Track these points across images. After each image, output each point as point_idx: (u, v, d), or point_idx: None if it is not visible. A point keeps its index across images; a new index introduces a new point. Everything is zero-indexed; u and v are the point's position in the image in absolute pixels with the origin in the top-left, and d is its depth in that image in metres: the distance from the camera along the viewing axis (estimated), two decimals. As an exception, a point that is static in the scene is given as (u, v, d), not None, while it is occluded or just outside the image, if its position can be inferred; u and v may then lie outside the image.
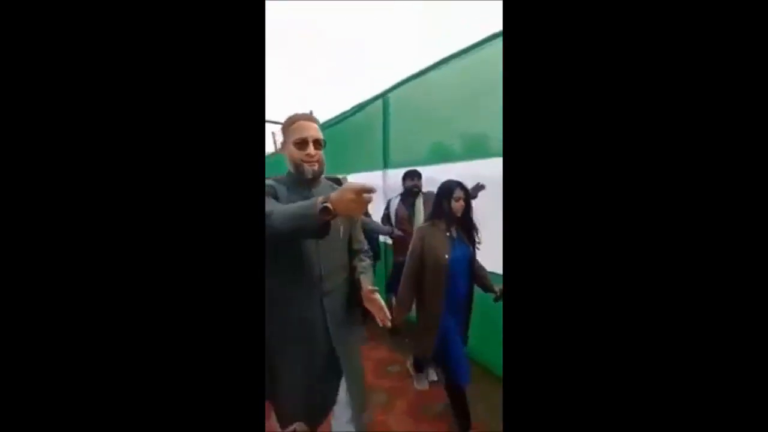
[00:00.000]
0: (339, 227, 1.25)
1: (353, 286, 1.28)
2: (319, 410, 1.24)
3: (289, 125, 1.20)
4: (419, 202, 2.69)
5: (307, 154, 1.17)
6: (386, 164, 3.39)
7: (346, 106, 3.91)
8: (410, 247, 1.70)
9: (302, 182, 1.20)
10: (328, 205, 0.87)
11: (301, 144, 1.17)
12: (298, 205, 0.95)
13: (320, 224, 0.90)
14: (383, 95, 3.37)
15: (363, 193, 0.84)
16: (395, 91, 3.25)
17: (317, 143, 1.18)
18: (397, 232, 2.69)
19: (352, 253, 1.35)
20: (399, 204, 2.77)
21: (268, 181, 1.20)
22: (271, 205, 1.05)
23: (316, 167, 1.19)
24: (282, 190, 1.17)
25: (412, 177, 2.71)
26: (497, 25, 2.12)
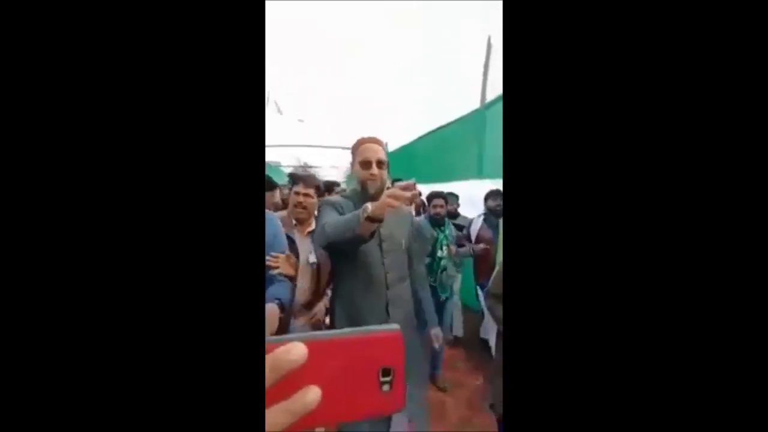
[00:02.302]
0: (401, 240, 1.41)
1: (415, 296, 1.45)
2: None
3: (356, 147, 1.38)
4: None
5: (371, 174, 1.35)
6: (481, 173, 3.48)
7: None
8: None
9: (367, 198, 1.33)
10: (368, 212, 1.09)
11: (366, 164, 1.34)
12: (347, 217, 1.18)
13: (364, 229, 1.11)
14: (484, 108, 3.52)
15: (398, 194, 1.04)
16: (495, 106, 3.39)
17: (380, 164, 1.35)
18: (478, 250, 2.57)
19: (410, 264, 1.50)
20: (482, 224, 2.66)
21: (337, 198, 1.44)
22: (328, 217, 1.29)
23: (377, 184, 1.36)
24: (349, 206, 1.35)
25: (495, 197, 2.63)
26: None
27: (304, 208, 1.76)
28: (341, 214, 1.30)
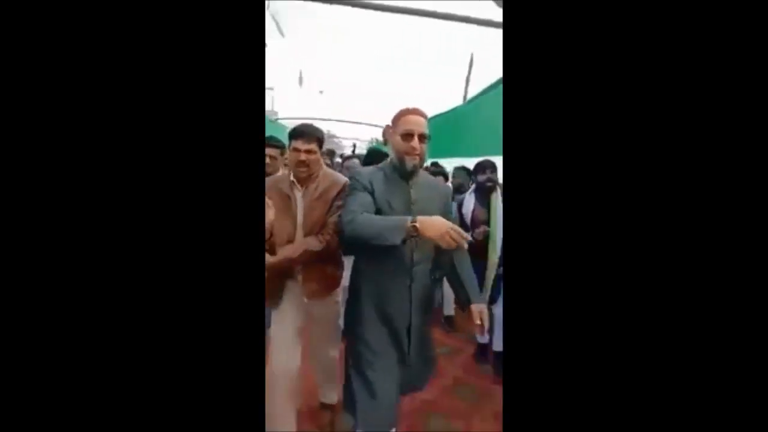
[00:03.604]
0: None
1: (455, 274, 1.41)
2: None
3: (398, 117, 1.28)
4: (496, 199, 2.25)
5: (411, 147, 1.24)
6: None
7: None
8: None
9: (403, 173, 1.28)
10: (417, 225, 1.06)
11: (407, 137, 1.24)
12: (386, 220, 1.15)
13: (404, 239, 1.09)
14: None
15: (455, 235, 1.02)
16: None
17: (422, 137, 1.25)
18: (477, 235, 2.15)
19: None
20: (474, 203, 2.30)
21: (367, 171, 1.33)
22: (356, 204, 1.21)
23: (416, 160, 1.27)
24: (379, 180, 1.28)
25: (484, 169, 2.29)
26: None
27: (307, 165, 1.51)
28: (371, 193, 1.23)
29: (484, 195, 2.28)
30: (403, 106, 1.32)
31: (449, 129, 4.25)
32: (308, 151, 1.50)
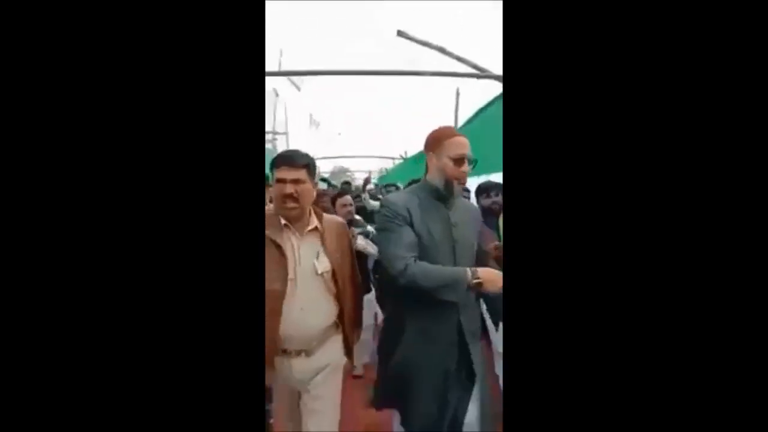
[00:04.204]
0: (473, 242, 1.29)
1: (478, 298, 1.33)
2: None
3: (444, 138, 1.17)
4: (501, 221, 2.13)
5: (463, 172, 1.16)
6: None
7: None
8: None
9: (443, 197, 1.20)
10: (480, 281, 1.04)
11: (460, 161, 1.14)
12: (445, 272, 1.09)
13: (466, 293, 1.08)
14: None
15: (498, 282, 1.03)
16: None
17: (470, 161, 1.17)
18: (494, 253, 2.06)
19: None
20: (483, 227, 2.25)
21: (397, 197, 1.24)
22: (402, 246, 1.09)
23: (461, 187, 1.21)
24: (415, 206, 1.16)
25: (488, 193, 2.15)
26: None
27: (296, 200, 1.17)
28: (410, 223, 1.12)
29: (490, 218, 2.06)
30: (438, 126, 1.23)
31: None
32: (295, 181, 1.16)
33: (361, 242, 2.15)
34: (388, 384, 1.24)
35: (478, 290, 1.03)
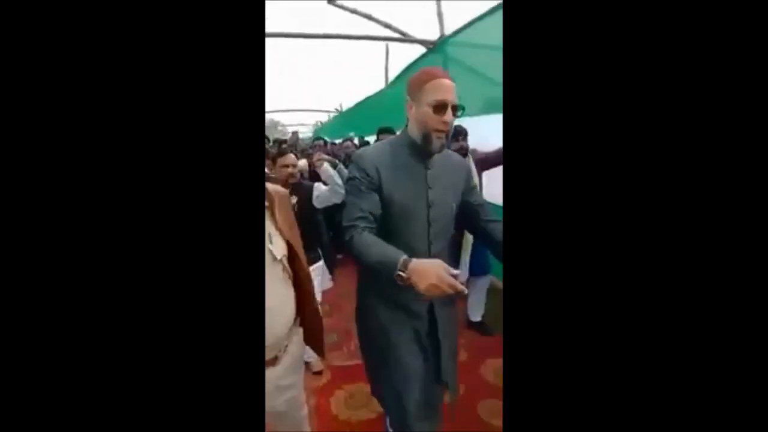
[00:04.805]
0: (452, 204, 1.14)
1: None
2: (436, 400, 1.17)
3: (423, 82, 1.00)
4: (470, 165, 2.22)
5: (443, 121, 0.99)
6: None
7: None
8: None
9: (423, 153, 1.06)
10: (403, 275, 0.85)
11: (439, 108, 0.98)
12: (381, 254, 0.93)
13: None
14: (442, 44, 3.54)
15: (447, 288, 0.81)
16: (452, 40, 3.35)
17: (455, 109, 1.00)
18: None
19: (476, 213, 1.21)
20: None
21: (369, 151, 1.08)
22: (356, 211, 0.99)
23: (443, 140, 1.03)
24: (387, 164, 1.04)
25: (456, 137, 2.15)
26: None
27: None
28: (377, 184, 1.02)
29: None
30: (421, 69, 1.06)
31: (375, 108, 5.12)
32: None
33: (329, 170, 1.95)
34: (369, 363, 1.19)
35: (403, 281, 0.85)
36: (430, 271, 0.82)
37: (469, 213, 1.20)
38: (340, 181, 1.90)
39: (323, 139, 4.99)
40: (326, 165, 1.95)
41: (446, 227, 1.13)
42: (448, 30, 3.27)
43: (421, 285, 0.82)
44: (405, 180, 1.05)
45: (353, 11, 3.16)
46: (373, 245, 0.96)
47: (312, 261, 1.93)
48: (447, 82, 1.00)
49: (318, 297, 1.76)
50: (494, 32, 2.80)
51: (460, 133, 2.24)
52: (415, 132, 1.05)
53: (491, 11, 2.77)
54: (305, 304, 1.07)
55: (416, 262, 0.86)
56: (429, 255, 1.07)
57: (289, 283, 1.02)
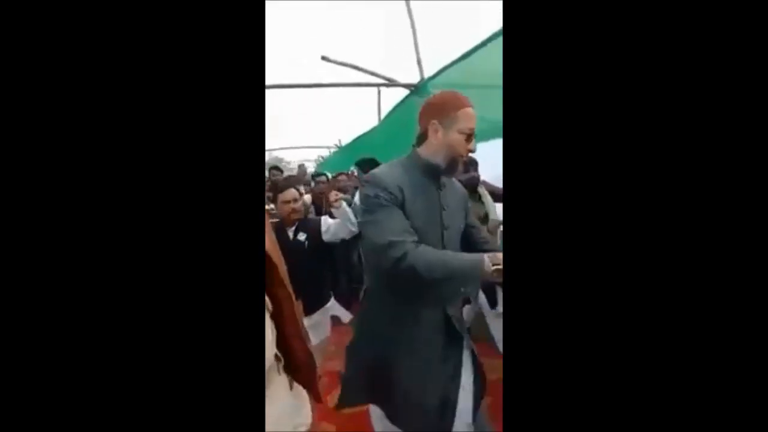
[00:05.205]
0: (460, 226, 1.16)
1: None
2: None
3: (456, 108, 1.01)
4: (485, 195, 2.20)
5: (470, 148, 1.03)
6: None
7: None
8: None
9: (435, 176, 1.05)
10: (500, 267, 0.84)
11: (469, 136, 1.01)
12: (458, 260, 0.90)
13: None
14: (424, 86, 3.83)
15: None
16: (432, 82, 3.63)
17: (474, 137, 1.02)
18: (492, 231, 2.12)
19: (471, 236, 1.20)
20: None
21: (387, 171, 1.03)
22: (397, 228, 0.92)
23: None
24: (407, 183, 1.01)
25: (467, 168, 2.17)
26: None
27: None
28: (402, 205, 0.98)
29: (471, 195, 2.11)
30: (442, 91, 1.05)
31: (370, 143, 5.55)
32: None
33: (344, 209, 1.77)
34: (363, 377, 1.11)
35: (494, 280, 0.86)
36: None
37: (468, 236, 1.20)
38: (354, 219, 1.80)
39: (325, 174, 5.31)
40: (344, 205, 1.80)
41: (457, 250, 1.11)
42: (428, 73, 3.71)
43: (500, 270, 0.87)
44: (423, 201, 1.04)
45: (343, 63, 3.63)
46: (439, 257, 0.93)
47: (324, 300, 1.90)
48: (472, 111, 1.02)
49: (324, 334, 1.82)
50: (468, 74, 3.22)
51: (472, 164, 2.28)
52: (437, 155, 1.04)
53: (464, 56, 3.18)
54: (290, 339, 0.83)
55: (500, 255, 0.89)
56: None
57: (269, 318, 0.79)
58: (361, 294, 1.24)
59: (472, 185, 2.21)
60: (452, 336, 1.12)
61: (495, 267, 0.89)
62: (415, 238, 0.98)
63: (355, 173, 4.47)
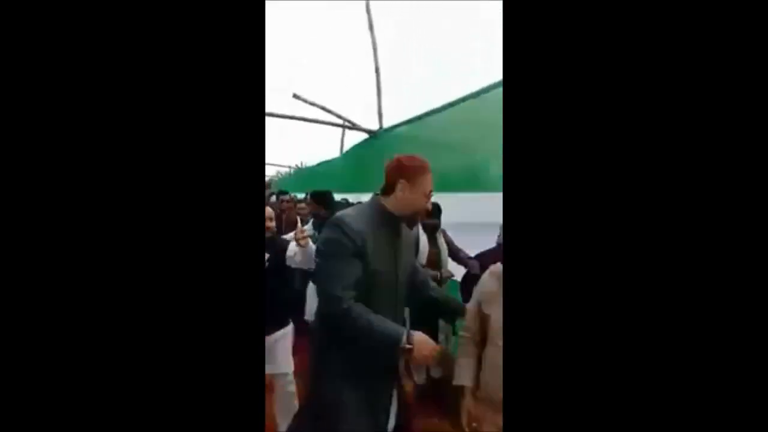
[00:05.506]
0: (410, 271, 1.29)
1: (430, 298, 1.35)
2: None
3: (423, 172, 1.16)
4: (442, 243, 2.42)
5: (428, 208, 1.25)
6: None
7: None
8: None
9: (389, 223, 1.17)
10: (411, 348, 0.98)
11: (429, 196, 1.18)
12: (383, 327, 1.02)
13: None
14: (382, 134, 4.30)
15: (437, 356, 1.02)
16: (388, 134, 4.11)
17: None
18: (444, 280, 2.33)
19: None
20: (427, 243, 2.38)
21: (355, 219, 1.10)
22: (350, 280, 1.02)
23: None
24: (371, 231, 1.10)
25: (430, 214, 2.34)
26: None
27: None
28: (362, 253, 1.06)
29: (431, 234, 2.36)
30: (411, 156, 1.17)
31: (329, 171, 5.94)
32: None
33: (310, 248, 1.64)
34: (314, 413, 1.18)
35: (405, 357, 0.98)
36: (430, 346, 1.01)
37: (411, 274, 1.31)
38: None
39: (287, 192, 5.43)
40: (311, 243, 1.70)
41: (406, 295, 1.25)
42: (386, 124, 4.27)
43: (422, 360, 1.01)
44: (383, 247, 1.13)
45: (313, 104, 4.11)
46: (372, 318, 1.03)
47: (281, 323, 1.83)
48: (431, 176, 1.17)
49: (289, 367, 1.79)
50: (420, 131, 3.75)
51: (436, 209, 2.39)
52: (403, 209, 1.17)
53: (420, 117, 3.72)
54: None
55: (418, 335, 1.01)
56: (395, 321, 1.14)
57: None
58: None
59: (432, 227, 2.41)
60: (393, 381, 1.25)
61: (408, 346, 0.98)
62: (358, 293, 1.06)
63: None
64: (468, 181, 2.66)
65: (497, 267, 1.21)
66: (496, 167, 2.29)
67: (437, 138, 3.39)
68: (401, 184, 1.14)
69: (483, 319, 1.20)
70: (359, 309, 1.03)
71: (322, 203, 2.60)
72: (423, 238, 2.35)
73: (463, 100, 3.13)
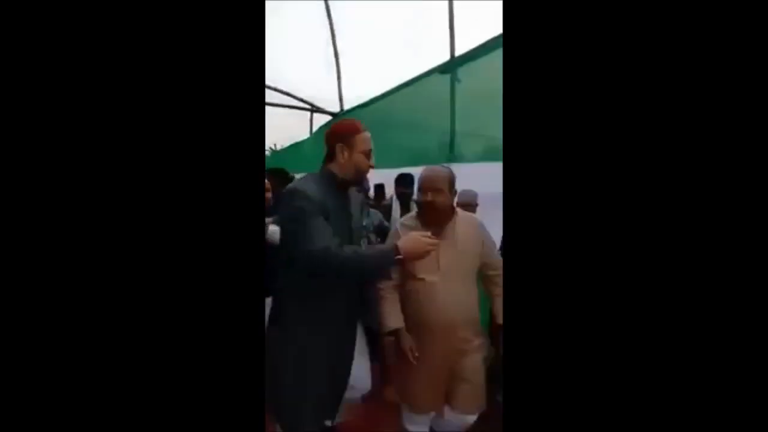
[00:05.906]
0: (361, 230, 1.40)
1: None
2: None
3: (356, 133, 1.22)
4: (396, 210, 2.52)
5: (371, 165, 1.26)
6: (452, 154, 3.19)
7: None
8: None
9: (339, 186, 1.24)
10: (401, 257, 1.07)
11: (369, 155, 1.23)
12: (374, 255, 1.16)
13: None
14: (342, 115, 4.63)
15: (431, 244, 1.09)
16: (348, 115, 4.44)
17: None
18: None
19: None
20: (400, 211, 2.48)
21: (310, 186, 1.17)
22: (326, 234, 1.08)
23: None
24: (324, 195, 1.16)
25: (405, 184, 2.44)
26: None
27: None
28: (327, 215, 1.11)
29: (405, 203, 2.42)
30: (342, 120, 1.22)
31: (301, 151, 6.43)
32: None
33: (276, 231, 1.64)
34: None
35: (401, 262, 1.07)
36: (416, 241, 1.09)
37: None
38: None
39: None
40: (272, 226, 1.77)
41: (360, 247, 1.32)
42: (346, 106, 4.77)
43: (417, 254, 1.09)
44: (338, 210, 1.20)
45: (282, 92, 4.63)
46: (361, 253, 1.16)
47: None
48: (369, 135, 1.24)
49: None
50: (379, 112, 4.19)
51: (411, 181, 2.38)
52: (347, 171, 1.23)
53: (377, 98, 4.16)
54: None
55: (402, 241, 1.10)
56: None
57: None
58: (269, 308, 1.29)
59: (407, 196, 2.48)
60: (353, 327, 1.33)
61: (398, 257, 1.08)
62: (339, 241, 1.12)
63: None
64: (418, 157, 3.09)
65: (408, 219, 1.41)
66: (440, 142, 2.86)
67: (391, 118, 3.83)
68: (339, 147, 1.22)
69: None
70: (346, 252, 1.11)
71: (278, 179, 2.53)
72: (396, 205, 2.55)
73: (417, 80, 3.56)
